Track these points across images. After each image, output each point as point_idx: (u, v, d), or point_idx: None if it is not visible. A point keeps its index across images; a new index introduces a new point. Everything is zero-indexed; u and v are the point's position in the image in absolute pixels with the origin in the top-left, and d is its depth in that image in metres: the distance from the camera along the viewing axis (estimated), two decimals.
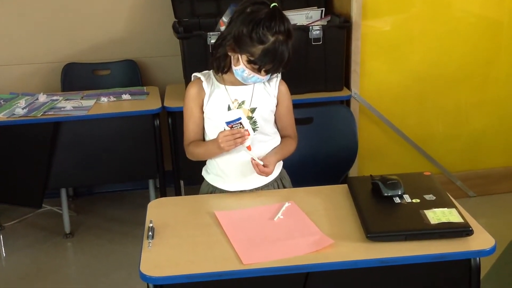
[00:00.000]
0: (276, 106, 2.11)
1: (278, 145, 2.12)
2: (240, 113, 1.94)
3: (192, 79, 2.11)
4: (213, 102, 2.05)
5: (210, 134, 2.08)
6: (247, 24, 1.88)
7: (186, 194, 3.24)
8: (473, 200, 3.59)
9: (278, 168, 2.16)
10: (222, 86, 2.05)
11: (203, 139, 2.12)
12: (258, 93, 2.06)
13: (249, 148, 1.97)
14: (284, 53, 1.89)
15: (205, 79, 2.07)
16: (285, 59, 1.91)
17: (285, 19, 1.90)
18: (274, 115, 2.12)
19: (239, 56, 1.93)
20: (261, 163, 1.98)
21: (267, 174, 2.01)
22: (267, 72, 1.95)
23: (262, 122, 2.06)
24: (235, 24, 1.92)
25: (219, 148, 1.96)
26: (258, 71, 1.93)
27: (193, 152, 2.09)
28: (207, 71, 2.11)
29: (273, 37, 1.87)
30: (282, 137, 2.15)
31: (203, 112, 2.08)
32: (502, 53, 3.44)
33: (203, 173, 2.18)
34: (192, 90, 2.08)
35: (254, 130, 2.03)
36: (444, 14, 3.31)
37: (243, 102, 2.05)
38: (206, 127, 2.10)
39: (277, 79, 2.10)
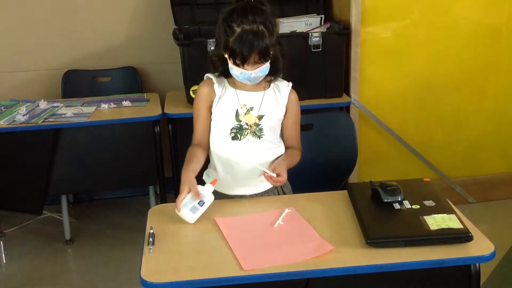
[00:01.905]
0: (284, 115, 2.11)
1: (284, 154, 2.11)
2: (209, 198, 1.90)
3: (204, 79, 2.11)
4: (222, 105, 2.06)
5: (215, 136, 2.09)
6: (221, 23, 1.95)
7: None
8: (473, 206, 3.59)
9: None
10: (233, 90, 2.06)
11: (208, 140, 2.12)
12: (267, 101, 2.07)
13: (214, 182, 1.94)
14: (253, 41, 1.89)
15: (217, 80, 2.07)
16: (256, 47, 1.89)
17: (253, 11, 1.91)
18: (282, 125, 2.13)
19: (226, 54, 1.96)
20: (274, 175, 1.96)
21: (281, 183, 2.01)
22: (243, 62, 1.92)
23: (268, 130, 2.07)
24: (217, 27, 1.99)
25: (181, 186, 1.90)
26: (236, 64, 1.94)
27: (187, 154, 2.04)
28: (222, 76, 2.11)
29: (239, 27, 1.90)
30: (286, 147, 2.14)
31: (211, 113, 2.08)
32: (501, 60, 3.45)
33: (204, 177, 2.18)
34: (203, 90, 2.08)
35: (259, 137, 2.05)
36: (443, 20, 3.32)
37: (251, 108, 2.05)
38: (212, 128, 2.10)
39: (287, 88, 2.10)
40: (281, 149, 2.13)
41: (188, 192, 1.86)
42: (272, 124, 2.08)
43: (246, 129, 2.05)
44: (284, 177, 1.98)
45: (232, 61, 1.95)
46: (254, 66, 1.94)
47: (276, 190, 2.16)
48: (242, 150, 2.07)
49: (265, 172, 1.97)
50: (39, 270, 3.08)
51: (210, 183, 1.94)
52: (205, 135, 2.10)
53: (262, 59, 1.93)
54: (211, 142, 2.13)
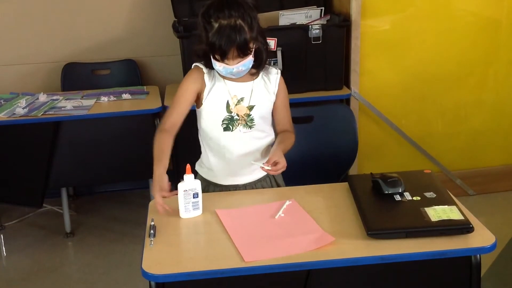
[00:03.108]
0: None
1: (278, 138, 2.11)
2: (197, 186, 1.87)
3: (192, 67, 2.08)
4: (213, 96, 2.05)
5: (207, 128, 2.08)
6: (200, 18, 1.94)
7: None
8: (473, 198, 3.59)
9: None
10: (222, 80, 2.05)
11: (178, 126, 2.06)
12: (257, 91, 2.07)
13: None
14: (231, 35, 1.88)
15: (207, 71, 2.06)
16: (234, 42, 1.88)
17: (229, 6, 1.90)
18: (272, 109, 2.12)
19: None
20: (269, 167, 1.94)
21: (283, 169, 1.97)
22: (222, 57, 1.91)
23: (259, 119, 2.07)
24: (197, 22, 1.97)
25: (153, 183, 1.88)
26: (217, 59, 1.93)
27: (155, 142, 1.97)
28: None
29: (216, 22, 1.90)
30: (280, 131, 2.14)
31: (194, 101, 2.06)
32: (501, 51, 3.45)
33: (197, 167, 2.19)
34: (195, 75, 2.05)
35: (250, 127, 2.06)
36: (443, 13, 3.32)
37: (242, 99, 2.05)
38: (203, 119, 2.08)
39: (277, 76, 2.10)
40: (271, 137, 2.14)
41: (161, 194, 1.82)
42: (262, 113, 2.08)
43: (237, 120, 2.05)
44: (282, 163, 1.96)
45: (212, 56, 1.94)
46: (235, 61, 1.93)
47: (268, 180, 2.17)
48: (233, 140, 2.07)
49: (262, 167, 1.96)
50: (39, 263, 3.08)
51: (186, 172, 1.87)
52: (179, 121, 2.03)
53: (242, 54, 1.92)
54: (202, 134, 2.13)
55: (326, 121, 2.71)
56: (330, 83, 3.24)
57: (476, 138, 3.59)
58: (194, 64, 2.09)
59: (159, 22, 3.60)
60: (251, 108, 2.06)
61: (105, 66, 3.65)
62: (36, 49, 3.62)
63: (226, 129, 2.06)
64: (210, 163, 2.13)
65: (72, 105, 3.09)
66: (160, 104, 3.12)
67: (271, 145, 2.13)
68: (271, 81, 2.09)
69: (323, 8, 3.33)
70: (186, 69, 3.12)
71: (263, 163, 1.96)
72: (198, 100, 2.07)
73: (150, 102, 3.17)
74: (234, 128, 2.06)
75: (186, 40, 3.09)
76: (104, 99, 3.19)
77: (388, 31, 3.31)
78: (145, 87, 3.45)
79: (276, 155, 1.97)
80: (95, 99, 3.19)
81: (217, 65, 1.95)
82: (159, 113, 3.11)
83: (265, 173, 2.14)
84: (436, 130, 3.53)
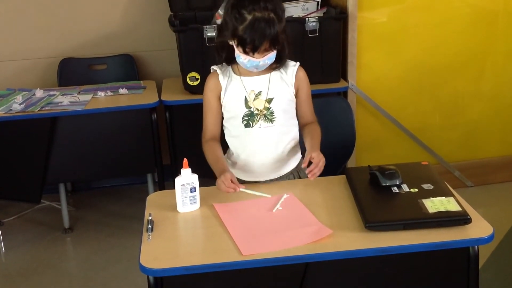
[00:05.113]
0: (296, 94, 2.09)
1: (308, 134, 2.09)
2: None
3: (211, 71, 2.11)
4: (230, 94, 2.05)
5: (229, 127, 2.10)
6: (229, 9, 1.92)
7: None
8: (471, 190, 3.60)
9: (295, 160, 2.15)
10: (238, 77, 2.05)
11: (221, 132, 2.13)
12: (274, 83, 2.05)
13: None
14: (265, 29, 1.87)
15: (222, 72, 2.07)
16: (268, 36, 1.88)
17: None
18: (296, 102, 2.11)
19: (233, 42, 1.94)
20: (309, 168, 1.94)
21: (323, 163, 1.95)
22: (253, 51, 1.91)
23: (280, 112, 2.06)
24: (224, 13, 1.96)
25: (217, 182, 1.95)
26: (246, 52, 1.92)
27: (206, 155, 2.06)
28: (225, 63, 2.10)
29: (250, 15, 1.88)
30: (304, 124, 2.13)
31: (221, 105, 2.08)
32: (498, 43, 3.45)
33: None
34: (210, 82, 2.08)
35: (271, 121, 2.05)
36: (440, 4, 3.31)
37: (259, 93, 2.04)
38: (225, 119, 2.10)
39: (294, 68, 2.08)
40: (295, 131, 2.12)
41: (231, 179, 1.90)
42: (283, 105, 2.06)
43: (257, 114, 2.04)
44: (323, 159, 1.95)
45: (241, 49, 1.92)
46: (262, 54, 1.93)
47: (292, 176, 2.15)
48: (256, 137, 2.06)
49: (307, 168, 1.95)
50: (38, 259, 3.08)
51: (184, 166, 1.86)
52: (216, 128, 2.10)
53: (272, 47, 1.93)
54: (226, 133, 2.13)
55: (323, 114, 2.69)
56: (327, 76, 3.23)
57: (474, 130, 3.59)
58: (211, 68, 2.10)
59: (155, 16, 3.59)
60: (269, 101, 2.04)
61: (101, 61, 3.64)
62: (32, 45, 3.60)
63: (247, 125, 2.05)
64: (234, 158, 2.12)
65: (69, 100, 3.08)
66: (157, 99, 3.11)
67: (295, 139, 2.13)
68: (288, 73, 2.07)
69: (319, 0, 3.32)
70: (183, 63, 3.13)
71: (302, 165, 1.97)
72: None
73: (147, 97, 3.16)
74: (254, 123, 2.05)
75: (183, 34, 3.08)
76: (101, 94, 3.18)
77: (385, 23, 3.30)
78: (142, 81, 3.44)
79: (315, 153, 1.96)
80: (92, 94, 3.18)
81: (241, 57, 1.94)
82: (156, 108, 3.11)
83: (288, 171, 2.12)
84: (433, 122, 3.53)
